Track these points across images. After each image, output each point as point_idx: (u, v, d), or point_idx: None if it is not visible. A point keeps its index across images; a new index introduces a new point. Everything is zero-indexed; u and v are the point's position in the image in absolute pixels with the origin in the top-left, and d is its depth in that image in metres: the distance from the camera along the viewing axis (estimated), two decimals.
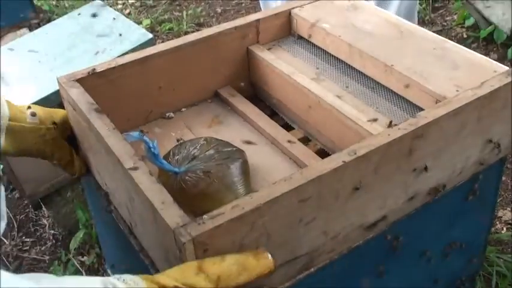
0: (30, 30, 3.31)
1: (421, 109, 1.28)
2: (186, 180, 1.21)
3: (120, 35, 2.50)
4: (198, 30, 3.79)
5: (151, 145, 1.17)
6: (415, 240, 1.32)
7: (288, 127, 1.49)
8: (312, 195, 1.02)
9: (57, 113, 1.35)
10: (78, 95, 1.26)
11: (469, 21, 3.49)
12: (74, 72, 1.34)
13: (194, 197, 1.21)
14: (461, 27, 3.55)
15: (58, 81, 1.32)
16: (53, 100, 2.13)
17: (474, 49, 3.37)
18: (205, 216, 0.94)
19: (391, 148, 1.09)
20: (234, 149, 1.29)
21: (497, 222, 2.42)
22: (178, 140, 1.43)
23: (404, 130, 1.10)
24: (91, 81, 1.33)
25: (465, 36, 3.50)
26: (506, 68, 1.29)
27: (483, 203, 1.45)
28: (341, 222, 1.11)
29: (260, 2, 2.62)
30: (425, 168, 1.18)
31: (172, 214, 0.95)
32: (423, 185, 1.22)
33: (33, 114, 1.27)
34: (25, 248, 2.46)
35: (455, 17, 3.64)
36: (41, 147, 1.30)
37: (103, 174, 1.28)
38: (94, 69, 1.35)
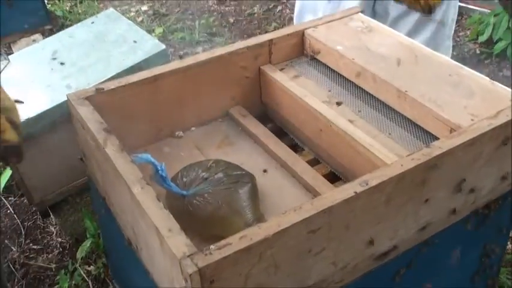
0: (43, 35, 3.32)
1: (435, 137, 1.26)
2: (193, 203, 1.20)
3: (135, 42, 2.50)
4: (210, 40, 3.80)
5: (159, 167, 1.16)
6: (426, 267, 1.30)
7: (298, 148, 1.47)
8: (322, 225, 1.00)
9: None
10: (87, 114, 1.25)
11: (482, 37, 3.46)
12: (84, 89, 1.33)
13: (202, 221, 1.20)
14: (474, 43, 3.52)
15: (67, 98, 1.31)
16: (65, 108, 2.13)
17: (487, 65, 3.35)
18: (212, 247, 0.92)
19: (404, 179, 1.07)
20: (243, 172, 1.28)
21: (508, 243, 2.39)
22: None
23: (418, 160, 1.08)
24: (101, 98, 1.32)
25: (478, 52, 3.48)
26: None
27: (497, 230, 1.42)
28: (351, 253, 1.09)
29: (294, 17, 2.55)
30: (438, 199, 1.16)
31: (179, 243, 0.94)
32: (435, 215, 1.20)
33: None
34: (32, 255, 2.45)
35: (468, 32, 3.61)
36: None
37: (110, 194, 1.27)
38: (103, 87, 1.34)
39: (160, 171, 1.16)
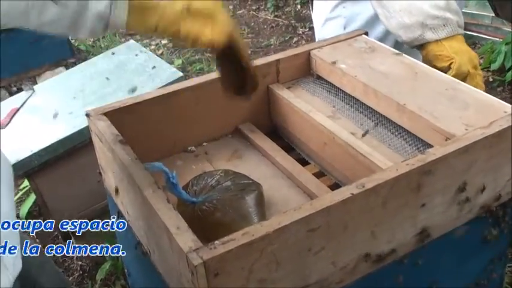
0: (67, 68, 3.46)
1: (432, 146, 1.32)
2: (203, 209, 1.27)
3: (154, 67, 2.60)
4: None
5: (170, 175, 1.23)
6: (426, 273, 1.35)
7: (304, 162, 1.54)
8: (321, 225, 1.06)
9: None
10: (104, 127, 1.34)
11: (495, 65, 3.52)
12: (102, 106, 1.42)
13: (210, 226, 1.26)
14: (487, 70, 3.58)
15: (87, 114, 1.40)
16: (85, 134, 2.22)
17: (500, 93, 3.40)
18: (217, 242, 0.99)
19: (399, 183, 1.13)
20: (250, 181, 1.35)
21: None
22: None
23: (413, 166, 1.14)
24: (118, 114, 1.41)
25: (491, 79, 3.53)
26: None
27: (496, 240, 1.46)
28: (349, 254, 1.15)
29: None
30: (435, 204, 1.22)
31: (186, 239, 1.01)
32: (433, 220, 1.25)
33: None
34: None
35: (481, 60, 3.67)
36: None
37: (125, 202, 1.34)
38: (121, 104, 1.42)
39: (171, 179, 1.24)
